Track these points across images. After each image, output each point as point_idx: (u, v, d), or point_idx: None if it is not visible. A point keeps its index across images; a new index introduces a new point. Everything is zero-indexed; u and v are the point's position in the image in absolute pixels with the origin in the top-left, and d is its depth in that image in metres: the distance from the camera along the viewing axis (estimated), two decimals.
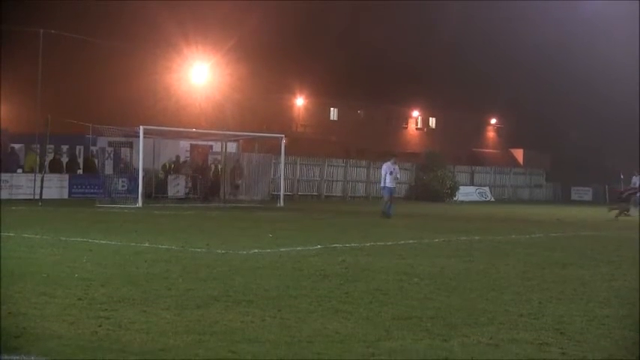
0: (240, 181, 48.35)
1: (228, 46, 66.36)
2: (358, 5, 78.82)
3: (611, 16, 79.45)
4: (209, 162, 49.64)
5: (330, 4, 75.66)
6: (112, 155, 48.15)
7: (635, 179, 48.59)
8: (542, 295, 12.30)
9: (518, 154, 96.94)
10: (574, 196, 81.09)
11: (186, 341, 8.56)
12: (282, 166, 48.08)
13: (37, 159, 43.24)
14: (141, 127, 40.47)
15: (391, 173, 32.55)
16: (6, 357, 7.89)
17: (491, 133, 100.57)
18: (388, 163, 32.95)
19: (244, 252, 17.44)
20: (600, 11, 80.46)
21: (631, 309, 11.21)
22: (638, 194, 47.68)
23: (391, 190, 32.86)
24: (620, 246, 22.77)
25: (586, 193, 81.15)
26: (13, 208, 32.50)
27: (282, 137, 47.42)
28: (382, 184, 33.20)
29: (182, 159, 49.23)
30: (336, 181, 62.45)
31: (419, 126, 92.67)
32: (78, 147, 48.64)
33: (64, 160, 47.20)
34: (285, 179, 49.65)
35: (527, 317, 10.29)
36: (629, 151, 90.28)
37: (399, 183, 65.61)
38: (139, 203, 38.40)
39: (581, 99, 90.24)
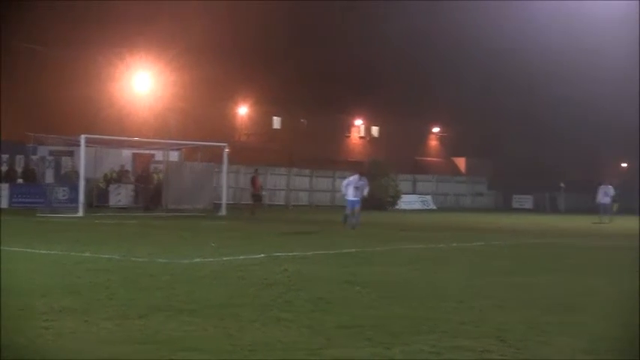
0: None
1: (171, 54, 66.04)
2: (301, 13, 78.82)
3: (555, 21, 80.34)
4: (151, 171, 49.39)
5: (271, 12, 75.57)
6: (52, 164, 47.71)
7: (603, 188, 49.41)
8: (484, 302, 12.36)
9: (461, 162, 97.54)
10: (515, 204, 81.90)
11: (128, 351, 8.49)
12: (224, 174, 47.94)
13: None
14: (82, 136, 40.17)
15: (357, 188, 31.66)
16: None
17: (433, 142, 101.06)
18: (355, 177, 32.16)
19: (187, 261, 17.35)
20: (541, 16, 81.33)
21: (572, 316, 11.30)
22: (607, 203, 49.00)
23: (353, 203, 31.68)
24: (563, 253, 23.00)
25: (527, 201, 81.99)
26: None
27: (225, 146, 47.28)
28: (347, 197, 32.00)
29: (125, 168, 48.95)
30: (279, 189, 62.49)
31: (362, 135, 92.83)
32: (18, 156, 48.08)
33: (4, 169, 46.65)
34: (227, 188, 49.52)
35: (469, 325, 10.33)
36: (570, 160, 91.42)
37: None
38: (80, 212, 38.11)
39: (522, 107, 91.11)
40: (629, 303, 12.77)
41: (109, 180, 47.72)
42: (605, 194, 49.03)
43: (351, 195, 31.57)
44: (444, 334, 9.65)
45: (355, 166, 73.50)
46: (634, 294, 13.81)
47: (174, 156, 50.79)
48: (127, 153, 50.61)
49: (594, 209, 55.05)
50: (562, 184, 78.50)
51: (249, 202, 48.32)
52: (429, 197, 73.16)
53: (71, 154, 47.46)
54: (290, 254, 19.71)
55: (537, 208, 79.40)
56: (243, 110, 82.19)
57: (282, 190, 62.64)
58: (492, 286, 14.43)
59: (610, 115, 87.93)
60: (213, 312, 10.81)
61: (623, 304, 12.71)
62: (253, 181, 48.09)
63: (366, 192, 32.21)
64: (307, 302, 11.88)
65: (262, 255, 19.07)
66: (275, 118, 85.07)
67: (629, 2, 73.20)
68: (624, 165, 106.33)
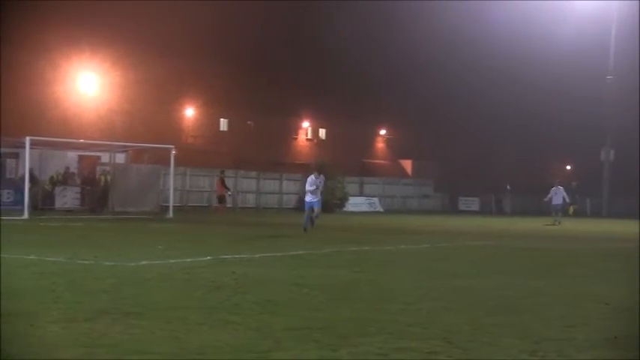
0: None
1: (117, 55, 65.66)
2: (248, 14, 78.68)
3: (500, 23, 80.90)
4: (97, 173, 49.03)
5: (218, 13, 75.36)
6: None
7: (555, 190, 50.20)
8: (431, 304, 12.44)
9: (407, 164, 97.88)
10: (461, 207, 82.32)
11: (74, 354, 8.44)
12: (171, 177, 47.73)
13: None
14: (27, 137, 39.78)
15: (317, 188, 30.98)
16: None
17: (380, 144, 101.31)
18: (312, 177, 31.41)
19: (133, 264, 17.27)
20: (485, 17, 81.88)
21: (516, 317, 11.41)
22: (559, 204, 49.83)
23: (313, 204, 30.90)
24: (508, 255, 23.20)
25: (473, 203, 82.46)
26: None
27: (171, 148, 47.10)
28: (306, 198, 31.36)
29: (70, 170, 48.57)
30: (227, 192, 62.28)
31: (309, 137, 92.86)
32: None
33: None
34: (174, 190, 49.33)
35: (416, 326, 10.39)
36: (516, 162, 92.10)
37: (289, 193, 65.96)
38: (25, 215, 37.74)
39: (468, 110, 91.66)
40: (574, 303, 12.93)
41: (54, 182, 47.31)
42: (556, 195, 49.83)
43: (311, 197, 30.98)
44: (391, 336, 9.70)
45: (302, 168, 73.69)
46: (577, 295, 13.98)
47: (120, 158, 50.50)
48: (72, 155, 50.21)
49: (541, 211, 55.59)
50: (508, 186, 79.07)
51: (216, 204, 48.22)
52: (376, 199, 73.33)
53: (16, 155, 46.98)
54: (237, 256, 19.70)
55: (483, 210, 79.89)
56: (190, 112, 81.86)
57: (229, 192, 62.41)
58: (439, 288, 14.51)
59: (555, 117, 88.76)
60: (160, 315, 10.78)
61: (567, 304, 12.85)
62: (219, 183, 48.08)
63: (320, 187, 31.66)
64: (255, 305, 11.89)
65: (209, 257, 19.03)
66: (222, 120, 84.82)
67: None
68: (568, 167, 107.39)
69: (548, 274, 17.99)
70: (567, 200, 51.08)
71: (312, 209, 30.86)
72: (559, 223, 48.30)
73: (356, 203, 69.08)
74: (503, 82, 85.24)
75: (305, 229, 30.38)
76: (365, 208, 69.88)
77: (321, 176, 32.12)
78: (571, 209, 60.27)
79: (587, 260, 22.03)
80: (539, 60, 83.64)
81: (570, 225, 47.23)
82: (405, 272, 17.31)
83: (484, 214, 72.15)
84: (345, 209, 65.33)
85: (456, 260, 20.89)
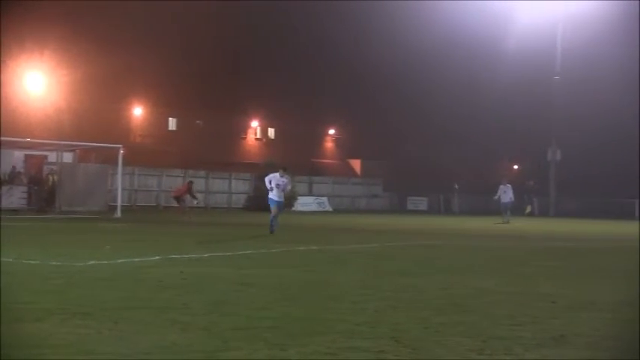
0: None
1: (64, 54, 65.15)
2: (195, 13, 78.41)
3: (447, 24, 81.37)
4: (45, 172, 48.60)
5: (166, 12, 75.06)
6: None
7: (503, 188, 50.88)
8: (380, 303, 12.45)
9: (356, 164, 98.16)
10: (410, 206, 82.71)
11: (22, 355, 8.35)
12: (119, 176, 47.47)
13: None
14: None
15: (278, 186, 29.65)
16: None
17: (329, 144, 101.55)
18: (276, 175, 29.97)
19: (81, 264, 17.13)
20: (433, 19, 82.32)
21: (464, 316, 11.46)
22: (507, 202, 50.62)
23: (277, 203, 29.79)
24: (455, 254, 23.32)
25: (421, 202, 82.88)
26: None
27: (119, 147, 46.82)
28: (270, 196, 30.01)
29: (17, 169, 48.09)
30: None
31: (258, 136, 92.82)
32: None
33: None
34: (122, 190, 49.05)
35: (365, 326, 10.40)
36: (464, 162, 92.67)
37: (238, 193, 65.77)
38: None
39: (417, 109, 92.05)
40: (522, 302, 13.02)
41: (0, 182, 46.83)
42: (505, 194, 50.41)
43: (274, 195, 29.74)
44: (340, 335, 9.70)
45: (251, 167, 73.57)
46: (525, 293, 14.08)
47: (68, 157, 50.08)
48: (19, 154, 49.68)
49: (489, 210, 56.04)
50: (456, 186, 79.60)
51: (184, 206, 48.11)
52: (325, 199, 73.45)
53: None
54: (186, 256, 19.62)
55: (432, 210, 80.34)
56: (138, 111, 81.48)
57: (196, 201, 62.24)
58: (387, 287, 14.53)
59: (502, 117, 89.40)
60: (108, 315, 10.69)
61: (515, 303, 12.94)
62: (186, 186, 47.91)
63: (288, 189, 30.78)
64: (203, 304, 11.84)
65: (158, 257, 18.94)
66: (171, 119, 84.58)
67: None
68: (516, 167, 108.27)
69: (496, 272, 18.10)
70: (512, 199, 51.59)
71: (278, 208, 29.83)
72: (508, 221, 48.83)
73: (305, 203, 69.15)
74: (452, 82, 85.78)
75: (271, 232, 29.26)
76: (314, 207, 69.98)
77: (287, 176, 30.51)
78: (528, 208, 61.02)
79: (535, 259, 22.19)
80: (486, 60, 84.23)
81: (519, 224, 47.65)
82: (353, 271, 17.33)
83: (432, 214, 72.56)
84: (294, 209, 65.34)
85: (404, 259, 20.95)
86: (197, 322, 10.33)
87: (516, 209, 68.19)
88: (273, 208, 29.72)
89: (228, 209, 64.15)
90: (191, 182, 49.34)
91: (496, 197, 51.11)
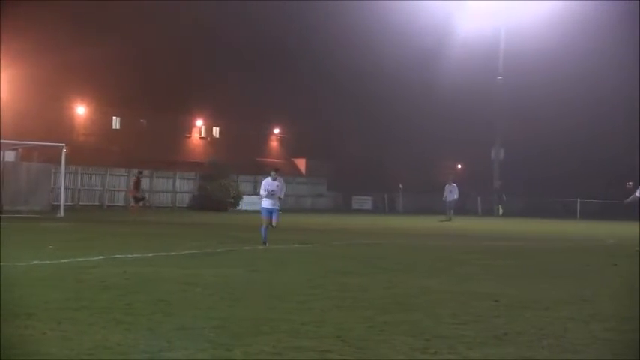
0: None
1: (5, 51, 64.43)
2: (137, 12, 77.96)
3: (393, 23, 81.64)
4: None
5: (107, 10, 74.57)
6: None
7: (449, 187, 52.43)
8: (324, 303, 12.49)
9: (301, 163, 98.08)
10: (355, 206, 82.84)
11: None
12: (62, 175, 47.06)
13: None
14: None
15: (273, 193, 25.72)
16: None
17: (274, 143, 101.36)
18: (268, 180, 26.11)
19: (23, 264, 16.96)
20: (379, 19, 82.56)
21: (408, 315, 11.52)
22: (452, 200, 52.69)
23: (271, 212, 25.59)
24: (399, 253, 23.42)
25: (366, 202, 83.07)
26: None
27: (63, 146, 46.39)
28: (263, 204, 26.01)
29: None
30: (119, 190, 61.71)
31: (203, 135, 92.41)
32: None
33: None
34: (65, 189, 48.64)
35: (310, 325, 10.42)
36: (408, 161, 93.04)
37: (182, 192, 65.49)
38: None
39: (361, 109, 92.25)
40: (465, 301, 13.11)
41: None
42: (451, 193, 51.50)
43: (267, 203, 25.68)
44: (285, 335, 9.72)
45: (195, 167, 73.25)
46: (468, 292, 14.19)
47: (10, 156, 49.50)
48: None
49: (433, 210, 56.48)
50: (400, 186, 79.87)
51: (132, 204, 47.62)
52: None
53: None
54: (130, 256, 19.51)
55: (376, 209, 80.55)
56: (81, 110, 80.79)
57: (122, 191, 61.81)
58: (332, 287, 14.57)
59: (446, 116, 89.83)
60: (51, 315, 10.61)
61: (458, 302, 13.03)
62: (136, 183, 47.50)
63: (282, 194, 26.74)
64: (147, 304, 11.79)
65: (101, 257, 18.82)
66: (114, 118, 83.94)
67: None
68: (459, 166, 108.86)
69: (439, 271, 18.22)
70: (456, 198, 52.63)
71: (270, 218, 25.50)
72: (450, 219, 49.52)
73: (250, 202, 68.95)
74: (396, 82, 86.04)
75: (264, 242, 25.02)
76: (258, 207, 69.80)
77: (280, 179, 26.82)
78: (500, 209, 61.82)
79: (478, 258, 22.36)
80: (430, 59, 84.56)
81: (462, 223, 47.95)
82: (298, 271, 17.35)
83: (377, 213, 72.78)
84: (239, 208, 65.21)
85: (348, 259, 21.00)
86: (141, 322, 10.29)
87: (489, 211, 69.00)
88: (264, 217, 25.63)
89: (173, 209, 63.84)
90: (140, 173, 49.10)
91: (444, 198, 52.28)
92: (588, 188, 79.68)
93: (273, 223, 25.45)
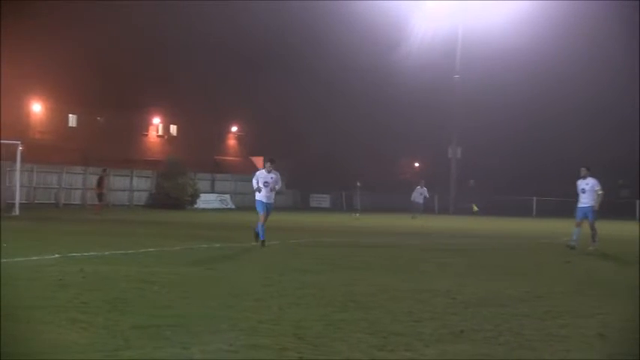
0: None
1: None
2: (93, 11, 77.60)
3: (352, 22, 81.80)
4: None
5: (63, 9, 74.10)
6: None
7: (419, 190, 54.60)
8: (282, 301, 12.48)
9: (259, 161, 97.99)
10: (313, 203, 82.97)
11: None
12: (17, 173, 46.70)
13: None
14: None
15: (266, 184, 24.41)
16: None
17: (232, 141, 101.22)
18: (262, 171, 24.87)
19: None
20: (338, 17, 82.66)
21: (367, 313, 11.55)
22: (420, 202, 54.97)
23: (266, 206, 24.47)
24: (357, 251, 23.45)
25: (324, 200, 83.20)
26: None
27: (18, 144, 46.05)
28: (257, 197, 24.69)
29: None
30: (75, 189, 61.35)
31: (160, 133, 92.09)
32: None
33: None
34: (21, 187, 48.27)
35: (267, 323, 10.42)
36: (366, 159, 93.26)
37: (140, 190, 65.20)
38: None
39: (319, 107, 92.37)
40: (422, 299, 13.17)
41: None
42: (420, 194, 53.27)
43: (262, 196, 24.50)
44: (243, 333, 9.71)
45: (152, 165, 72.92)
46: (425, 290, 14.25)
47: None
48: None
49: (392, 208, 56.89)
50: (358, 184, 80.00)
51: (97, 202, 47.21)
52: (227, 196, 73.21)
53: None
54: (86, 254, 19.38)
55: (334, 207, 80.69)
56: (37, 107, 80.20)
57: (79, 189, 61.46)
58: (290, 284, 14.57)
59: (403, 115, 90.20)
60: (6, 315, 10.51)
61: (415, 300, 13.08)
62: (100, 181, 47.18)
63: (278, 187, 25.03)
64: (104, 303, 11.72)
65: (57, 255, 18.68)
66: (71, 115, 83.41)
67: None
68: (417, 165, 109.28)
69: (397, 269, 18.28)
70: (427, 197, 56.00)
71: (266, 212, 24.41)
72: (415, 217, 50.62)
73: (207, 200, 68.88)
74: (354, 80, 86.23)
75: (256, 236, 24.34)
76: (216, 205, 69.74)
77: (274, 172, 24.91)
78: (474, 207, 62.61)
79: (436, 256, 22.44)
80: (387, 58, 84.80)
81: (422, 222, 48.18)
82: (256, 269, 17.34)
83: (335, 211, 72.87)
84: (196, 206, 65.09)
85: (306, 256, 21.01)
86: (98, 321, 10.23)
87: (463, 210, 69.74)
88: (260, 212, 24.38)
89: (130, 207, 63.57)
90: (104, 170, 48.89)
91: (412, 198, 53.98)
92: (545, 186, 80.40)
93: (262, 220, 24.19)
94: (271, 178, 24.47)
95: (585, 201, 26.14)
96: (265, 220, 24.34)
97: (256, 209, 24.57)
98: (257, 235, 24.30)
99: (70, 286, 13.44)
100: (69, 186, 61.02)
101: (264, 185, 24.34)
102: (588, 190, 26.10)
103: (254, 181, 24.57)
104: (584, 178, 26.32)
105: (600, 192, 26.11)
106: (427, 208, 56.44)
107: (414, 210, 54.33)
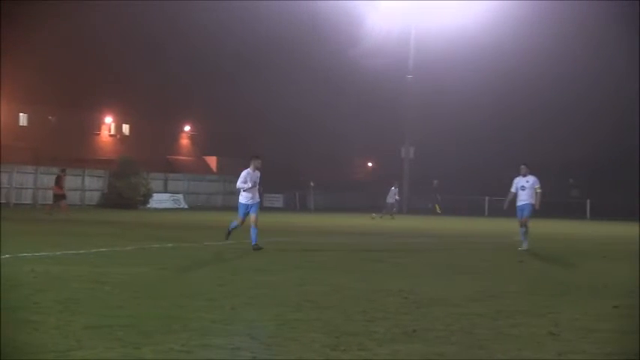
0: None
1: None
2: (46, 10, 76.98)
3: (305, 21, 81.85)
4: None
5: (16, 9, 73.47)
6: None
7: (394, 191, 56.22)
8: (235, 300, 12.47)
9: (212, 161, 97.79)
10: (266, 203, 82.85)
11: None
12: None
13: None
14: None
15: (255, 184, 23.34)
16: None
17: (185, 141, 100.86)
18: (248, 170, 23.51)
19: None
20: (291, 17, 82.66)
21: (320, 312, 11.56)
22: (392, 202, 56.82)
23: (247, 208, 23.37)
24: (310, 251, 23.47)
25: (277, 199, 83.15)
26: None
27: None
28: (240, 199, 23.65)
29: None
30: (26, 188, 60.84)
31: (112, 132, 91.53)
32: None
33: None
34: None
35: (220, 323, 10.40)
36: (319, 160, 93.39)
37: (92, 190, 64.79)
38: None
39: (273, 107, 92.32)
40: (375, 298, 13.20)
41: None
42: (394, 195, 55.03)
43: (247, 197, 23.38)
44: (195, 333, 9.68)
45: (105, 164, 72.47)
46: (378, 290, 14.29)
47: None
48: None
49: (345, 208, 57.16)
50: (312, 183, 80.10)
51: (62, 202, 46.88)
52: (180, 196, 72.98)
53: None
54: (38, 254, 19.23)
55: (288, 207, 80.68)
56: None
57: (30, 188, 60.96)
58: (243, 284, 14.56)
59: (357, 115, 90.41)
60: None
61: (368, 299, 13.11)
62: (58, 180, 46.72)
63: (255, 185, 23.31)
64: (56, 303, 11.64)
65: (7, 255, 18.51)
66: (21, 114, 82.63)
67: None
68: (370, 164, 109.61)
69: (350, 269, 18.32)
70: (398, 198, 58.31)
71: (246, 213, 23.30)
72: (381, 217, 53.63)
73: (160, 200, 68.60)
74: (307, 80, 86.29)
75: (228, 233, 23.93)
76: (169, 204, 69.49)
77: (257, 171, 23.52)
78: (437, 208, 63.26)
79: (389, 255, 22.52)
80: (340, 58, 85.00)
81: (379, 221, 48.37)
82: (209, 269, 17.31)
83: (288, 211, 72.88)
84: (149, 206, 64.82)
85: (259, 256, 20.99)
86: (49, 322, 10.16)
87: (418, 210, 70.52)
88: (240, 216, 23.46)
89: (82, 207, 63.16)
90: (63, 170, 48.58)
91: (387, 199, 55.59)
92: (497, 186, 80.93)
93: (253, 220, 22.91)
94: (257, 176, 23.34)
95: (525, 198, 25.99)
96: (242, 222, 23.31)
97: (239, 211, 23.41)
98: (229, 233, 23.73)
99: (21, 287, 13.33)
100: (20, 185, 60.49)
101: (253, 185, 23.13)
102: (528, 187, 25.99)
103: (242, 182, 23.29)
104: (524, 175, 26.24)
105: (539, 190, 26.13)
106: (382, 208, 56.73)
107: (387, 208, 55.70)
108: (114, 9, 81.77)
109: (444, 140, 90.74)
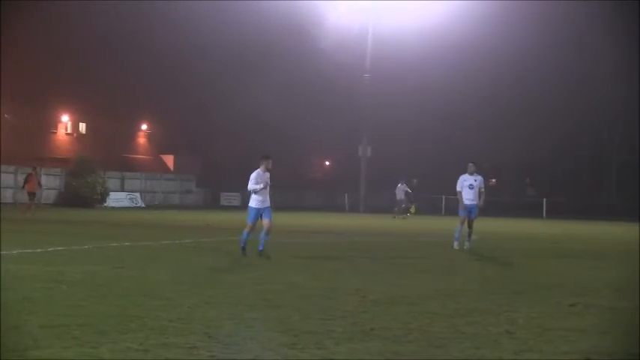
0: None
1: None
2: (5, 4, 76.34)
3: (265, 20, 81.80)
4: None
5: None
6: None
7: (402, 187, 57.35)
8: (192, 299, 12.45)
9: (169, 159, 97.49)
10: (223, 202, 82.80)
11: None
12: None
13: None
14: None
15: (265, 185, 21.40)
16: None
17: (142, 139, 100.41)
18: (258, 170, 21.44)
19: None
20: (251, 17, 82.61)
21: (277, 311, 11.58)
22: (403, 199, 57.54)
23: (259, 212, 21.41)
24: (269, 250, 23.45)
25: (235, 198, 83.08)
26: None
27: None
28: (251, 203, 21.63)
29: None
30: None
31: (69, 131, 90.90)
32: None
33: None
34: None
35: (177, 322, 10.39)
36: (276, 158, 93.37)
37: (49, 189, 64.34)
38: None
39: (230, 105, 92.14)
40: (332, 297, 13.23)
41: None
42: (403, 191, 57.27)
43: (259, 200, 21.46)
44: (152, 332, 9.67)
45: (61, 163, 72.02)
46: (335, 289, 14.32)
47: None
48: None
49: (301, 207, 57.06)
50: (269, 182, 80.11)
51: (25, 201, 46.38)
52: (137, 195, 72.74)
53: None
54: None
55: (245, 206, 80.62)
56: None
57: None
58: (200, 283, 14.55)
59: (313, 114, 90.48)
60: None
61: (325, 298, 13.14)
62: (29, 178, 46.12)
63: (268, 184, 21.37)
64: (12, 302, 11.57)
65: None
66: None
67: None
68: (327, 163, 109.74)
69: (307, 267, 18.34)
70: (409, 191, 58.56)
71: (257, 219, 21.41)
72: (395, 217, 54.85)
73: (117, 199, 68.34)
74: (265, 78, 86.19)
75: (243, 249, 21.26)
76: (126, 203, 69.23)
77: (267, 172, 21.51)
78: (412, 208, 63.59)
79: (346, 254, 22.57)
80: (299, 58, 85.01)
81: (330, 220, 48.40)
82: (166, 268, 17.26)
83: (245, 210, 72.79)
84: (105, 205, 64.53)
85: (217, 255, 20.98)
86: (5, 321, 10.10)
87: (374, 208, 70.85)
88: (250, 222, 21.39)
89: (38, 205, 62.69)
90: (34, 169, 48.19)
91: (399, 196, 56.12)
92: (453, 184, 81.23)
93: (265, 225, 21.15)
94: (268, 177, 21.46)
95: (472, 198, 25.64)
96: (271, 227, 21.40)
97: (249, 216, 21.40)
98: (243, 249, 21.24)
99: None
100: None
101: (264, 186, 21.26)
102: (476, 186, 25.68)
103: (252, 184, 21.32)
104: (472, 174, 25.87)
105: (483, 190, 25.99)
106: (339, 207, 56.91)
107: (398, 209, 56.57)
108: (69, 8, 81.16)
109: (402, 138, 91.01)
